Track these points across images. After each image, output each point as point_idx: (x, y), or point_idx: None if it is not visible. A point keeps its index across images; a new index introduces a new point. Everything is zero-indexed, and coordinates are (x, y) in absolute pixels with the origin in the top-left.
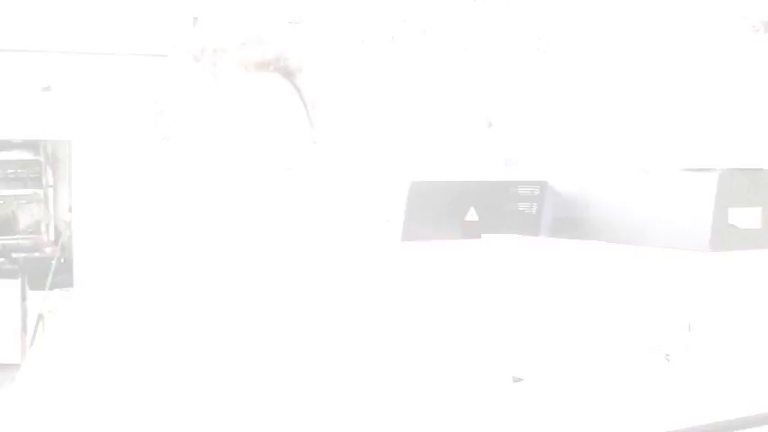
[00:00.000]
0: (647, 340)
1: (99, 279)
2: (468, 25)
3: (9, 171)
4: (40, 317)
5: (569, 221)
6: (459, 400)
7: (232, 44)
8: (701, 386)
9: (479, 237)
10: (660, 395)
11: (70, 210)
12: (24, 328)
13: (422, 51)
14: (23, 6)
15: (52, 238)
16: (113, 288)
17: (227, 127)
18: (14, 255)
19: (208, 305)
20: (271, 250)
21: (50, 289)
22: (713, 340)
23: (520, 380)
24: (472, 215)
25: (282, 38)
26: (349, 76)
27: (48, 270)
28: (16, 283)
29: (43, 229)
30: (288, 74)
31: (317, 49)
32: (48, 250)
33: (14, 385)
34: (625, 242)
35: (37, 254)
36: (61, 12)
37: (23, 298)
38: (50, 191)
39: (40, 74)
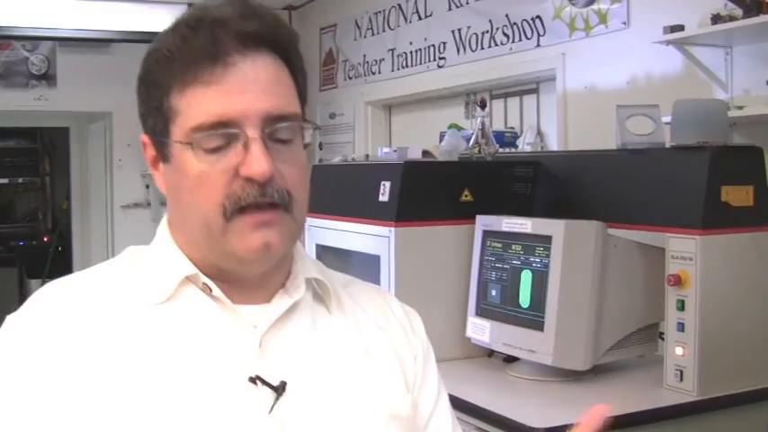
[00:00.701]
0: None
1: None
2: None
3: (6, 159)
4: None
5: (563, 202)
6: None
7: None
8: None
9: (474, 217)
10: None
11: (67, 198)
12: None
13: (418, 33)
14: None
15: (50, 226)
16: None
17: None
18: (12, 243)
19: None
20: None
21: (48, 277)
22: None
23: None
24: (467, 196)
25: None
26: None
27: (45, 258)
28: (14, 271)
29: (40, 217)
30: (282, 50)
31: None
32: (45, 238)
33: None
34: (618, 221)
35: (35, 242)
36: None
37: (21, 286)
38: (47, 179)
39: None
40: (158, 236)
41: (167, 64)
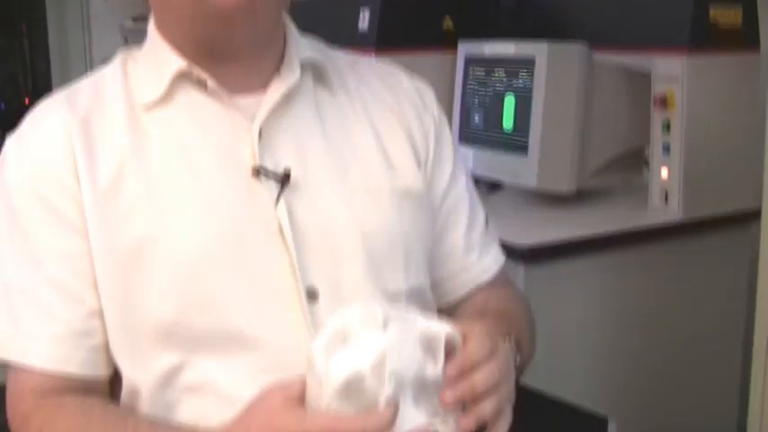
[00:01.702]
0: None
1: None
2: None
3: None
4: None
5: (550, 29)
6: None
7: None
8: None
9: (456, 47)
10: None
11: (48, 60)
12: None
13: None
14: None
15: (30, 87)
16: None
17: None
18: None
19: None
20: None
21: None
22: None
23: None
24: (449, 24)
25: None
26: None
27: None
28: None
29: (21, 80)
30: None
31: None
32: (26, 100)
33: None
34: (604, 44)
35: (16, 104)
36: None
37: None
38: (25, 42)
39: None
40: (148, 36)
41: None
